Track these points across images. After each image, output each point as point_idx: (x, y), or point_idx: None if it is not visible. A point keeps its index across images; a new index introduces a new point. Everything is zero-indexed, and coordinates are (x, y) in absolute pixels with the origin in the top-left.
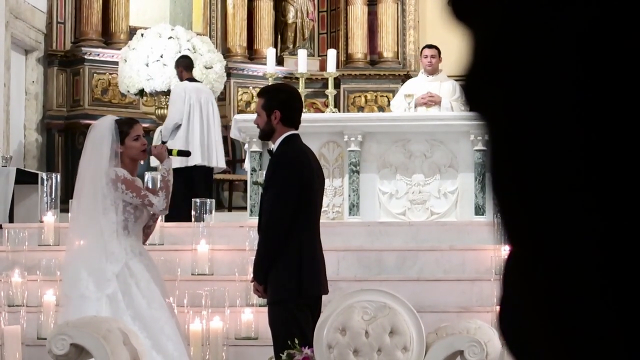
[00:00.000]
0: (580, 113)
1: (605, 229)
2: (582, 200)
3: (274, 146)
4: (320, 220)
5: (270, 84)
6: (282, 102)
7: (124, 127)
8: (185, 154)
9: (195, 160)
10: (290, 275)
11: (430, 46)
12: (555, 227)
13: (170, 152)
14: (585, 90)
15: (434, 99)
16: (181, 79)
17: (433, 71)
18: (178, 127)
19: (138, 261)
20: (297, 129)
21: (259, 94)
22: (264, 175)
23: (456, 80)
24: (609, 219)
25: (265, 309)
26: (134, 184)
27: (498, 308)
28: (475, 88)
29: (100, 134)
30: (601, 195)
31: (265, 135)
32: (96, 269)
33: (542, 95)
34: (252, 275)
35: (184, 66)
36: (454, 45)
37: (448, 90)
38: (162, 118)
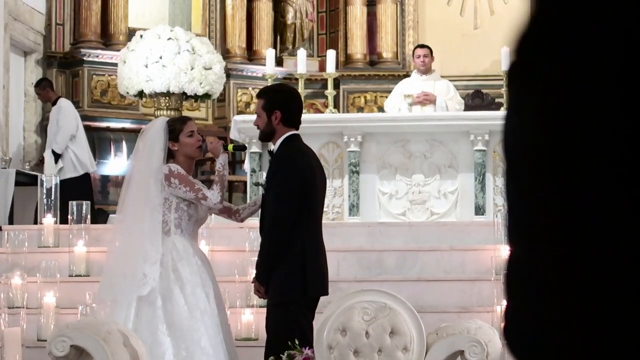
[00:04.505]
0: (627, 109)
1: None
2: (628, 197)
3: (274, 147)
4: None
5: (269, 84)
6: (282, 103)
7: (176, 125)
8: (240, 148)
9: (92, 167)
10: (295, 276)
11: (422, 46)
12: (596, 224)
13: (225, 147)
14: (632, 87)
15: (428, 97)
16: (48, 99)
17: (426, 71)
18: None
19: (187, 263)
20: (297, 129)
21: (259, 95)
22: (265, 177)
23: (451, 80)
24: None
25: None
26: (188, 178)
27: (504, 320)
28: (529, 63)
29: (152, 135)
30: None
31: (266, 136)
32: (131, 272)
33: (593, 84)
34: (253, 275)
35: (50, 86)
36: (452, 45)
37: (442, 89)
38: None
